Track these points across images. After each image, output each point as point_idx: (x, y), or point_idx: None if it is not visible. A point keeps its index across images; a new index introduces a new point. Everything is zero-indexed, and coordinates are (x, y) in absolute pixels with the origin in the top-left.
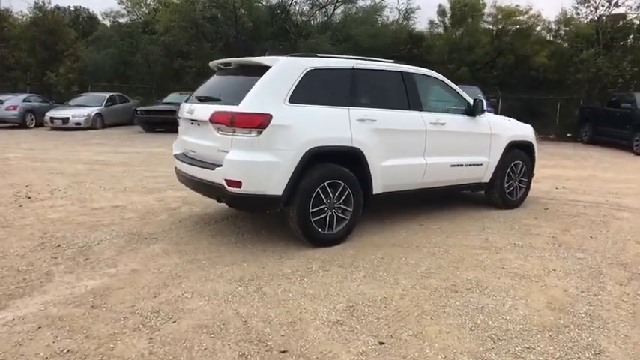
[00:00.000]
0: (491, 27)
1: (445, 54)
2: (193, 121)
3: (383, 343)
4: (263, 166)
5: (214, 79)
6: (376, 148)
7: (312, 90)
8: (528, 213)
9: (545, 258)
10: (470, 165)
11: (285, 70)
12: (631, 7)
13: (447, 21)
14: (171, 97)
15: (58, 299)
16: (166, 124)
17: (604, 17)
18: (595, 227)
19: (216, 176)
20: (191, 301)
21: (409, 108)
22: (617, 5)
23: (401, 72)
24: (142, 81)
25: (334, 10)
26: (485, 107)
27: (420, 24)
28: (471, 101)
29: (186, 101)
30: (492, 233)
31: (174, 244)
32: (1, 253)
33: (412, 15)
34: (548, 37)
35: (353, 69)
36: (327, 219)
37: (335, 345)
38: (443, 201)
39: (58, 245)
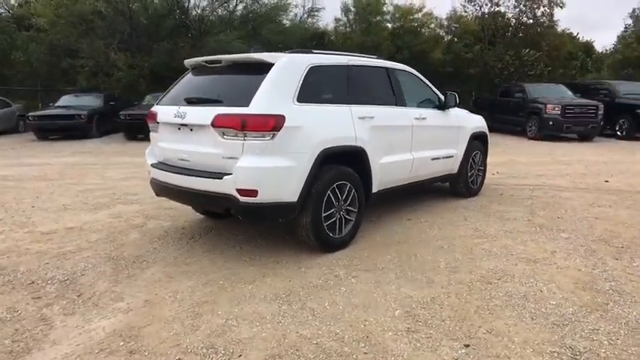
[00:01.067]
0: (390, 25)
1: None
2: (182, 125)
3: (468, 346)
4: (280, 172)
5: (199, 79)
6: (375, 146)
7: (315, 88)
8: (490, 199)
9: (539, 241)
10: (445, 157)
11: (290, 67)
12: (509, 7)
13: (351, 19)
14: (65, 99)
15: (81, 349)
16: (64, 130)
17: (486, 15)
18: (554, 208)
19: (224, 186)
20: (241, 328)
21: (396, 104)
22: (497, 5)
23: (386, 68)
24: (22, 82)
25: (236, 4)
26: (457, 102)
27: (324, 21)
28: (442, 95)
29: (158, 104)
30: (476, 222)
31: (173, 265)
32: None
33: (316, 14)
34: (441, 34)
35: (348, 65)
36: (337, 222)
37: (425, 355)
38: (410, 195)
39: (32, 282)
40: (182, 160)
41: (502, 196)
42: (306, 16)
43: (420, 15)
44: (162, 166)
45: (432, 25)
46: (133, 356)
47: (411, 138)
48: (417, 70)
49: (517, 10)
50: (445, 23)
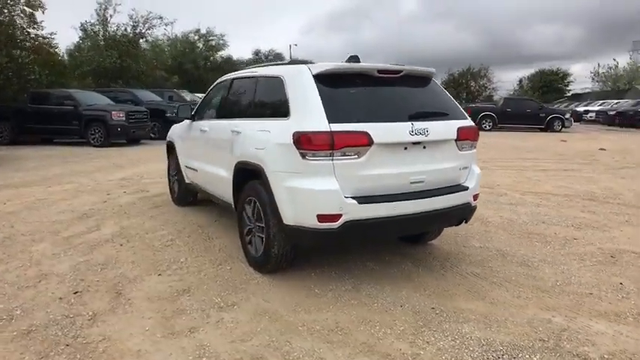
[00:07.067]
0: None
1: None
2: (415, 144)
3: None
4: None
5: (377, 90)
6: None
7: None
8: None
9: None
10: None
11: None
12: None
13: None
14: None
15: None
16: None
17: None
18: None
19: (467, 196)
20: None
21: None
22: None
23: None
24: None
25: None
26: None
27: None
28: None
29: (334, 121)
30: None
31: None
32: None
33: None
34: None
35: None
36: None
37: None
38: None
39: None
40: (414, 183)
41: None
42: None
43: None
44: (379, 198)
45: None
46: None
47: None
48: None
49: None
50: None
